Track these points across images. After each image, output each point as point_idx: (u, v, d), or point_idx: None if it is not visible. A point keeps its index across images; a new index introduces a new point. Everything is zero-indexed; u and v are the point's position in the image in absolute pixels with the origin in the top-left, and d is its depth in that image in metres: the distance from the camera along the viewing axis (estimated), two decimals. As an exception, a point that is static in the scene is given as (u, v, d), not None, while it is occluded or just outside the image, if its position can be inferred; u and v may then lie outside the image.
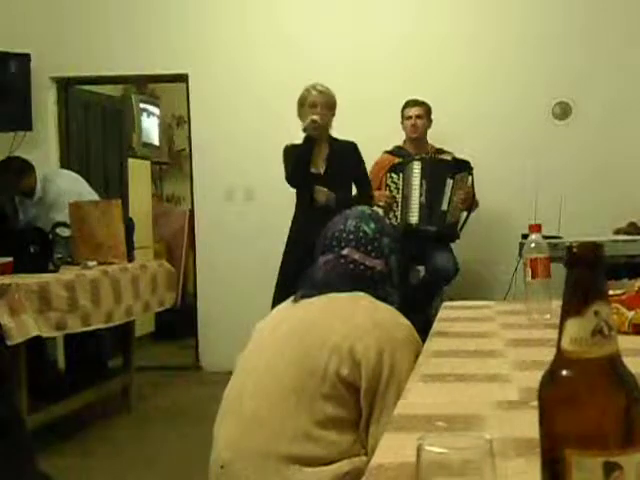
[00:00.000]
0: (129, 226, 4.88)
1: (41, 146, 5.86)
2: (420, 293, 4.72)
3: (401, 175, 4.95)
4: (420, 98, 5.22)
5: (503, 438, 0.99)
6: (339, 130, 4.52)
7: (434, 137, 5.29)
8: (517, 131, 5.58)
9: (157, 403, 5.03)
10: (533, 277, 1.99)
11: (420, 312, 4.12)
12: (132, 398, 4.79)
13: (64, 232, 4.58)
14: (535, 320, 1.95)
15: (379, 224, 1.91)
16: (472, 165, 5.01)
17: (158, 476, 3.68)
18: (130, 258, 4.72)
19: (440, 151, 5.19)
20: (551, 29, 5.58)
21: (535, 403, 0.68)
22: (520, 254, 3.72)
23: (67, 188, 4.95)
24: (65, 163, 6.07)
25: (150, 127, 7.83)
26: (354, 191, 4.60)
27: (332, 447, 1.60)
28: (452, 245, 5.02)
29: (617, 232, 4.85)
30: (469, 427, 1.09)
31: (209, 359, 5.84)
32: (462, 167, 4.98)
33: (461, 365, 1.51)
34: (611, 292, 1.71)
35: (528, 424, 0.76)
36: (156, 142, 7.98)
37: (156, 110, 7.95)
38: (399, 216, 4.92)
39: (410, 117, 5.18)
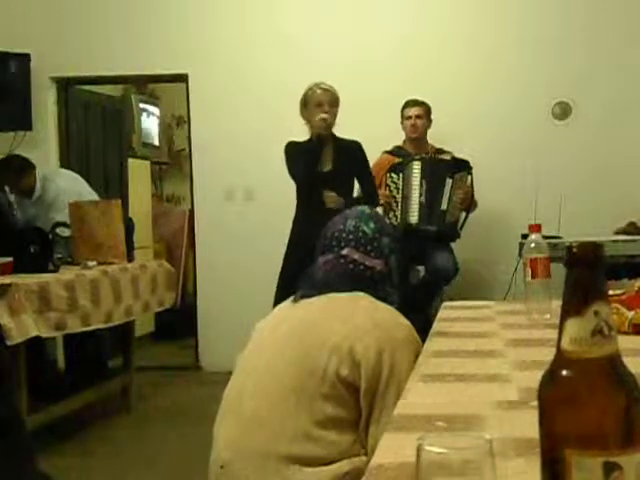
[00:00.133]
0: (129, 226, 4.88)
1: (41, 146, 5.86)
2: (420, 293, 4.71)
3: (401, 175, 4.95)
4: (420, 98, 5.23)
5: (503, 438, 0.99)
6: (339, 130, 4.51)
7: (434, 137, 5.29)
8: (517, 131, 5.58)
9: (157, 403, 5.03)
10: (533, 277, 1.99)
11: (420, 312, 4.12)
12: (132, 398, 4.79)
13: (64, 232, 4.58)
14: (535, 320, 1.95)
15: (379, 224, 1.91)
16: (471, 165, 5.01)
17: (158, 476, 3.68)
18: (130, 258, 4.72)
19: (440, 151, 5.19)
20: (551, 29, 5.59)
21: (535, 403, 0.68)
22: (520, 254, 3.72)
23: (67, 187, 4.95)
24: (65, 163, 6.07)
25: (150, 127, 7.83)
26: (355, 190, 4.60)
27: (332, 447, 1.60)
28: (452, 245, 5.03)
29: (617, 232, 4.85)
30: (469, 427, 1.09)
31: (209, 359, 5.84)
32: (461, 167, 4.98)
33: (461, 365, 1.51)
34: (611, 292, 1.71)
35: (528, 424, 0.76)
36: (156, 142, 7.99)
37: (156, 110, 7.95)
38: (399, 216, 4.92)
39: (410, 117, 5.19)
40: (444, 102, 5.35)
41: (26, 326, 3.52)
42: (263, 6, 5.85)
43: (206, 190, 5.91)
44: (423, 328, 1.86)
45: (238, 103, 5.81)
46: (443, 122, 5.30)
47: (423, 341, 1.75)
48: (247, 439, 1.66)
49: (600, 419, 0.63)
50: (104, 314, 4.16)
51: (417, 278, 4.87)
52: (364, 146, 4.55)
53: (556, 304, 1.76)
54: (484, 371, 1.44)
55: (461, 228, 5.07)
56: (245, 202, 5.84)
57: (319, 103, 4.37)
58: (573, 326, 0.65)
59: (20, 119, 5.72)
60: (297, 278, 1.96)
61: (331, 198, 4.30)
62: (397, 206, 4.94)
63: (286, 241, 4.67)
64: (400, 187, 4.95)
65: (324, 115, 4.32)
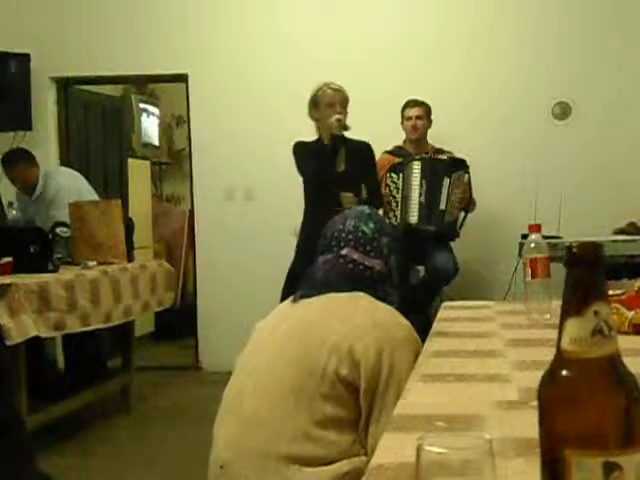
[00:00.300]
0: (129, 226, 4.88)
1: (41, 146, 5.85)
2: (420, 293, 4.71)
3: (401, 175, 4.95)
4: (420, 98, 5.22)
5: (503, 438, 0.99)
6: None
7: (434, 137, 5.29)
8: (517, 131, 5.58)
9: (157, 403, 5.03)
10: (533, 277, 1.98)
11: (420, 312, 4.12)
12: (132, 398, 4.79)
13: (64, 232, 4.58)
14: (535, 320, 1.95)
15: (378, 224, 1.91)
16: (468, 164, 5.00)
17: (158, 476, 3.68)
18: (130, 258, 4.72)
19: (440, 151, 5.18)
20: (551, 29, 5.59)
21: (535, 403, 0.68)
22: (520, 254, 3.72)
23: (67, 185, 4.96)
24: (65, 163, 6.07)
25: (150, 127, 7.83)
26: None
27: (332, 447, 1.60)
28: (452, 245, 5.02)
29: (615, 232, 4.85)
30: (469, 427, 1.09)
31: (209, 359, 5.84)
32: (458, 166, 4.98)
33: (461, 365, 1.51)
34: (611, 292, 1.71)
35: (528, 424, 0.76)
36: (156, 142, 7.98)
37: (156, 110, 7.95)
38: (399, 216, 4.92)
39: (410, 118, 5.18)
40: (444, 102, 5.35)
41: (25, 326, 3.52)
42: (263, 6, 5.85)
43: (206, 190, 5.90)
44: (423, 328, 1.86)
45: (238, 103, 5.81)
46: (443, 122, 5.30)
47: (423, 341, 1.75)
48: (247, 439, 1.66)
49: (600, 419, 0.63)
50: (103, 314, 4.16)
51: (417, 278, 4.87)
52: (364, 146, 4.55)
53: (556, 304, 1.76)
54: (484, 371, 1.44)
55: (460, 227, 5.06)
56: (245, 202, 5.84)
57: (331, 103, 4.36)
58: (573, 326, 0.65)
59: (20, 119, 5.72)
60: None
61: (348, 199, 4.29)
62: (397, 206, 4.94)
63: (286, 241, 4.67)
64: (400, 187, 4.95)
65: (339, 115, 4.31)
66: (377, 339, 1.64)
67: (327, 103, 4.37)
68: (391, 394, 1.58)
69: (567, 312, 0.66)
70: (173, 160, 8.34)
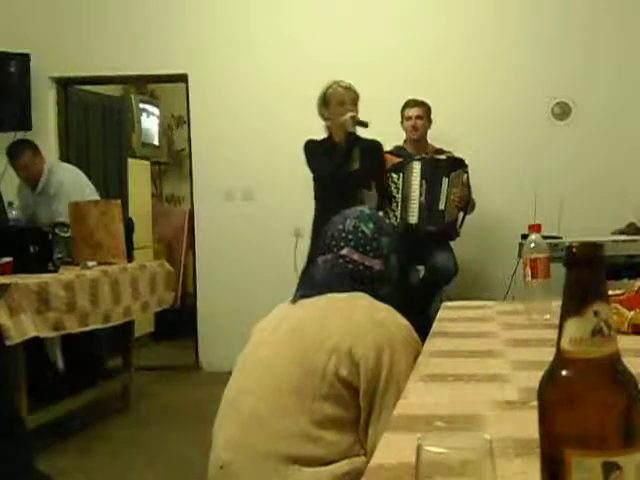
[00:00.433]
0: (129, 226, 4.89)
1: (41, 146, 5.80)
2: (420, 293, 4.71)
3: (401, 175, 4.95)
4: (420, 98, 5.22)
5: (503, 438, 0.99)
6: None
7: (433, 137, 5.29)
8: (517, 131, 5.58)
9: (157, 403, 5.02)
10: (533, 277, 1.98)
11: (420, 312, 4.12)
12: (132, 398, 4.79)
13: (64, 232, 4.58)
14: (535, 320, 1.95)
15: (378, 224, 1.91)
16: (466, 163, 5.00)
17: (158, 476, 3.68)
18: (130, 258, 4.73)
19: (440, 151, 5.18)
20: (551, 29, 5.59)
21: (535, 403, 0.68)
22: (520, 254, 3.72)
23: (71, 180, 5.03)
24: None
25: (150, 127, 7.83)
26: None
27: (331, 447, 1.60)
28: (452, 245, 5.02)
29: (614, 233, 4.85)
30: (469, 427, 1.09)
31: (209, 359, 5.84)
32: (456, 165, 4.98)
33: (461, 365, 1.51)
34: (611, 292, 1.71)
35: (528, 424, 0.76)
36: (156, 142, 7.98)
37: (156, 110, 7.94)
38: (399, 216, 4.92)
39: (410, 118, 5.18)
40: (444, 102, 5.35)
41: (25, 326, 3.52)
42: (263, 6, 5.85)
43: (206, 190, 5.90)
44: (423, 328, 1.85)
45: (238, 103, 5.81)
46: (443, 122, 5.29)
47: (423, 341, 1.75)
48: (247, 439, 1.66)
49: (600, 419, 0.63)
50: (103, 314, 4.16)
51: (417, 278, 4.87)
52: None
53: (556, 304, 1.76)
54: (484, 371, 1.44)
55: (460, 227, 5.07)
56: (245, 202, 5.83)
57: (341, 102, 4.34)
58: (573, 326, 0.65)
59: (20, 119, 5.72)
60: None
61: (371, 197, 4.28)
62: (397, 206, 4.94)
63: (286, 241, 4.67)
64: (400, 187, 4.94)
65: (352, 113, 4.29)
66: (377, 339, 1.64)
67: (338, 101, 4.35)
68: (391, 394, 1.58)
69: (567, 312, 0.66)
70: (173, 160, 8.34)
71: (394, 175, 4.97)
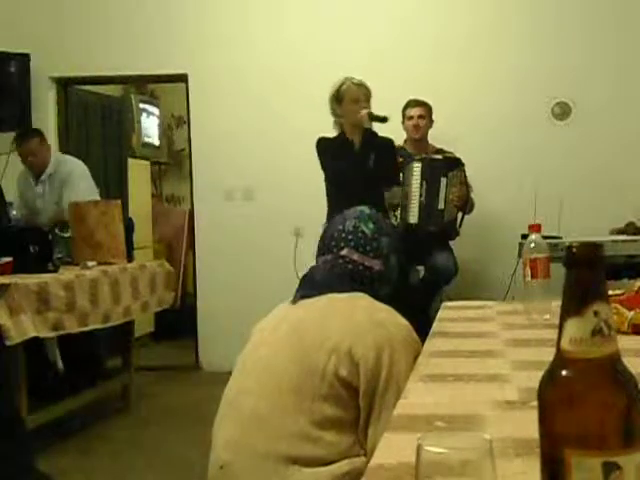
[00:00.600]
0: (129, 226, 4.89)
1: (41, 146, 5.86)
2: (420, 293, 4.71)
3: (401, 175, 4.95)
4: (421, 98, 5.22)
5: (503, 438, 0.99)
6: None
7: (433, 137, 5.29)
8: (516, 131, 5.58)
9: (157, 403, 5.02)
10: (533, 277, 1.98)
11: (420, 312, 4.12)
12: (132, 398, 4.79)
13: (64, 232, 4.59)
14: (535, 320, 1.95)
15: (378, 224, 1.91)
16: (463, 162, 4.99)
17: (158, 476, 3.68)
18: (129, 258, 4.73)
19: (440, 151, 5.18)
20: (550, 29, 5.59)
21: (535, 403, 0.68)
22: (520, 254, 3.72)
23: (79, 170, 5.08)
24: (65, 163, 6.07)
25: (150, 127, 7.83)
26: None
27: (331, 447, 1.60)
28: (451, 245, 5.03)
29: (612, 232, 4.85)
30: (469, 427, 1.09)
31: (209, 359, 5.84)
32: (454, 165, 4.97)
33: (461, 365, 1.51)
34: (611, 292, 1.71)
35: (528, 424, 0.76)
36: (156, 142, 7.98)
37: (156, 110, 7.95)
38: (399, 216, 4.92)
39: (412, 117, 5.18)
40: (444, 102, 5.35)
41: (25, 326, 3.52)
42: (263, 6, 5.85)
43: (206, 190, 5.90)
44: (423, 328, 1.85)
45: (238, 103, 5.81)
46: (443, 122, 5.29)
47: (423, 341, 1.75)
48: (246, 439, 1.66)
49: (600, 419, 0.63)
50: (102, 314, 4.16)
51: (417, 278, 4.87)
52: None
53: (556, 304, 1.75)
54: (484, 371, 1.44)
55: (459, 227, 5.06)
56: (245, 202, 5.83)
57: (356, 99, 4.29)
58: (573, 326, 0.65)
59: (20, 119, 5.72)
60: None
61: (395, 193, 4.25)
62: (397, 206, 4.94)
63: (286, 241, 4.67)
64: (400, 187, 4.94)
65: (368, 110, 4.25)
66: (376, 339, 1.64)
67: (351, 98, 4.29)
68: (390, 394, 1.58)
69: (567, 312, 0.66)
70: (173, 160, 8.34)
71: (394, 175, 4.96)
